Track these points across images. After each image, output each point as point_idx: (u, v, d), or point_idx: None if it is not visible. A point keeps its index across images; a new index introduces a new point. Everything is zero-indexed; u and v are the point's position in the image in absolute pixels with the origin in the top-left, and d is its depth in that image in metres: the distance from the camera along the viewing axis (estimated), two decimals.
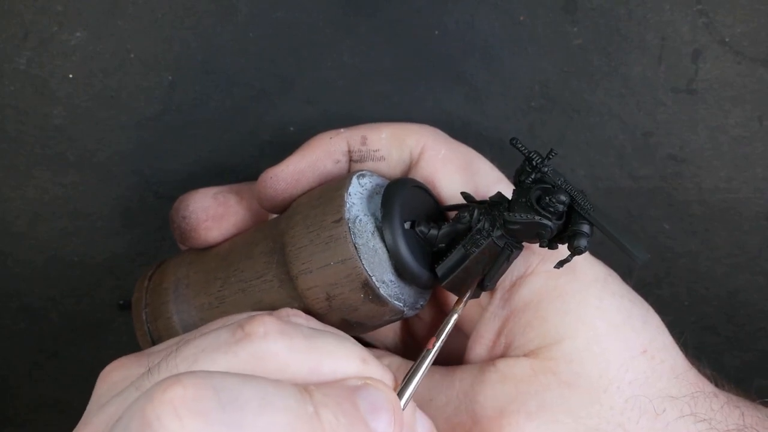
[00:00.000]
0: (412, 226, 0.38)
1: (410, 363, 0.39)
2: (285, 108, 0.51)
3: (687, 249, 0.54)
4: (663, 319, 0.40)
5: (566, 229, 0.35)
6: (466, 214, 0.37)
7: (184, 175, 0.53)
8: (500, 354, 0.39)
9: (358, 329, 0.39)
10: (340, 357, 0.31)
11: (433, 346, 0.35)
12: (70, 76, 0.49)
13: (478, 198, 0.39)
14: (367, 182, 0.39)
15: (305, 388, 0.28)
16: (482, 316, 0.40)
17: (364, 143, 0.41)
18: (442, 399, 0.37)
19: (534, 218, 0.35)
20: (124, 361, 0.34)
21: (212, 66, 0.50)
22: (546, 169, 0.36)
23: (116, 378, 0.33)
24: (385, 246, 0.37)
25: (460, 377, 0.38)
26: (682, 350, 0.39)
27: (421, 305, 0.39)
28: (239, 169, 0.53)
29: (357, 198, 0.38)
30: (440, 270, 0.38)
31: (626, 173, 0.52)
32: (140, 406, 0.25)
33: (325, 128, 0.52)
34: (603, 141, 0.52)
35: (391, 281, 0.37)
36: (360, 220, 0.37)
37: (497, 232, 0.36)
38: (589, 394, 0.36)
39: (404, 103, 0.51)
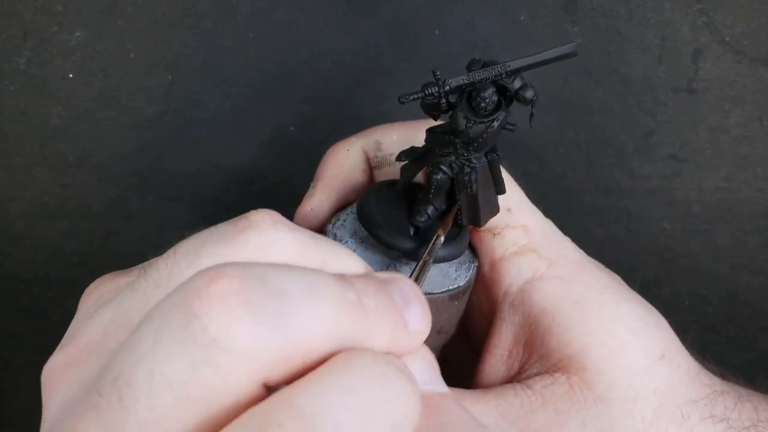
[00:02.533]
0: (417, 231, 0.37)
1: None
2: (285, 108, 0.51)
3: (687, 249, 0.54)
4: None
5: (506, 95, 0.34)
6: (437, 175, 0.36)
7: (184, 175, 0.53)
8: (520, 365, 0.38)
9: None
10: (347, 258, 0.28)
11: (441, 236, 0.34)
12: (70, 76, 0.49)
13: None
14: (349, 243, 0.37)
15: (343, 276, 0.26)
16: (493, 324, 0.39)
17: (379, 149, 0.40)
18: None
19: (490, 128, 0.33)
20: (109, 276, 0.31)
21: (212, 66, 0.50)
22: (447, 87, 0.34)
23: (103, 291, 0.30)
24: (432, 260, 0.35)
25: (496, 402, 0.36)
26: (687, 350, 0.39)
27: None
28: (239, 169, 0.53)
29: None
30: (468, 222, 0.37)
31: (626, 173, 0.52)
32: (182, 300, 0.23)
33: (325, 128, 0.52)
34: (603, 141, 0.52)
35: (455, 270, 0.37)
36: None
37: (475, 162, 0.35)
38: (622, 408, 0.35)
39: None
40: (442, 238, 0.35)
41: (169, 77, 0.50)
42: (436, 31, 0.49)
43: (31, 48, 0.48)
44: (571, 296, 0.37)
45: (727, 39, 0.48)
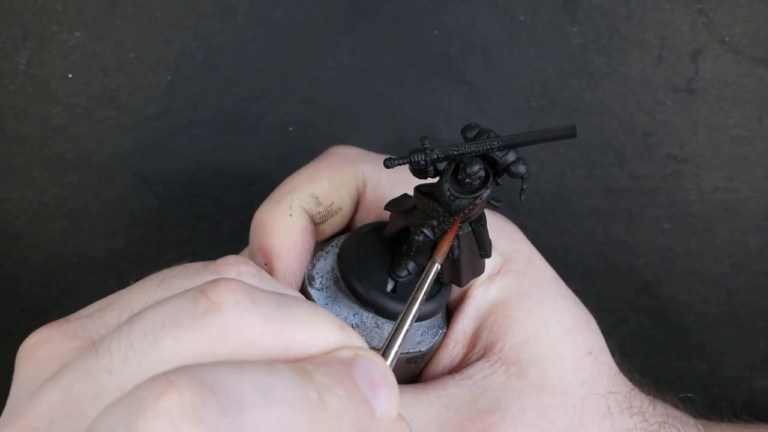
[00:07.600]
0: (395, 288, 0.36)
1: None
2: (285, 108, 0.51)
3: (687, 249, 0.54)
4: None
5: (496, 168, 0.33)
6: (419, 237, 0.35)
7: (184, 175, 0.53)
8: (465, 352, 0.40)
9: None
10: (318, 326, 0.27)
11: (415, 303, 0.31)
12: (70, 75, 0.49)
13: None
14: (324, 279, 0.37)
15: (303, 370, 0.25)
16: (454, 319, 0.40)
17: (318, 203, 0.39)
18: (424, 419, 0.36)
19: (473, 204, 0.33)
20: (49, 333, 0.29)
21: (212, 66, 0.50)
22: (435, 156, 0.33)
23: (45, 356, 0.28)
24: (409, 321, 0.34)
25: (437, 394, 0.37)
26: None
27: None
28: (239, 169, 0.53)
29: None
30: (448, 281, 0.37)
31: (626, 173, 0.52)
32: (128, 416, 0.22)
33: (325, 129, 0.52)
34: (603, 141, 0.52)
35: (422, 334, 0.37)
36: (369, 328, 0.36)
37: (459, 232, 0.34)
38: (554, 397, 0.37)
39: (404, 103, 0.51)
40: (438, 266, 0.33)
41: (169, 77, 0.50)
42: (436, 31, 0.49)
43: (31, 48, 0.48)
44: (520, 290, 0.39)
45: (727, 39, 0.48)
